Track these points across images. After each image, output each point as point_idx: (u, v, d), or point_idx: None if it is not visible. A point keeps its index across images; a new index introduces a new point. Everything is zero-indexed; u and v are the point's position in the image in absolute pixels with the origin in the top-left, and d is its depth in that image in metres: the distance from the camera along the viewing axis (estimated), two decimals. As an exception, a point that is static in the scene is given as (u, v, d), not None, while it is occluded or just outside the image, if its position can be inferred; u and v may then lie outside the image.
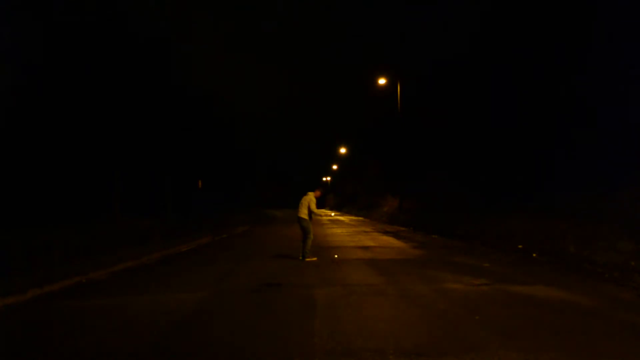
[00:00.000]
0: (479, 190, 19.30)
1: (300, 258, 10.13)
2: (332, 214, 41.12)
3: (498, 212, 15.06)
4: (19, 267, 8.24)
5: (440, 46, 23.77)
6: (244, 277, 8.27)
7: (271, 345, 4.37)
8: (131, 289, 7.39)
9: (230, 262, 10.18)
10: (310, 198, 10.38)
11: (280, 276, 8.18)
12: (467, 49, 21.14)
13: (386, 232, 18.71)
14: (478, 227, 14.94)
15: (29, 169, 16.98)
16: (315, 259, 10.19)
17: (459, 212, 18.54)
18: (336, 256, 10.82)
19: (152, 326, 5.12)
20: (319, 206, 10.75)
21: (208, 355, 4.20)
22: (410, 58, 27.19)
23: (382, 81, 27.53)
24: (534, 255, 10.19)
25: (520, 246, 11.35)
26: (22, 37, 15.90)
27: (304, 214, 10.34)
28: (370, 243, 13.95)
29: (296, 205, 10.59)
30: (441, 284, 7.13)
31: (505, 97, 17.96)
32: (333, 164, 71.63)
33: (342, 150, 57.70)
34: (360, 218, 35.48)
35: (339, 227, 23.22)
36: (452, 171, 23.15)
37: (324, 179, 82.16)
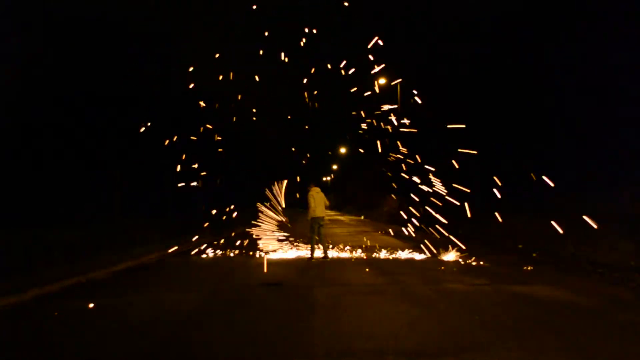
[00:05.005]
0: (479, 190, 19.28)
1: (323, 257, 10.18)
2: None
3: (498, 212, 15.05)
4: (19, 267, 8.22)
5: (439, 46, 23.71)
6: (244, 277, 8.27)
7: (271, 345, 4.37)
8: (131, 289, 7.39)
9: (230, 262, 10.19)
10: (322, 194, 10.37)
11: (280, 276, 8.18)
12: (466, 50, 21.10)
13: (386, 232, 18.71)
14: (478, 227, 14.93)
15: (29, 168, 16.96)
16: (319, 258, 10.20)
17: (458, 212, 18.50)
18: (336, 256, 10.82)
19: (152, 326, 5.12)
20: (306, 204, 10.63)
21: (208, 355, 4.20)
22: (409, 57, 27.07)
23: (382, 81, 27.48)
24: (534, 255, 10.19)
25: (520, 246, 11.34)
26: (22, 35, 15.89)
27: (323, 212, 10.26)
28: (370, 243, 13.94)
29: (295, 205, 10.53)
30: (441, 284, 7.14)
31: (506, 94, 17.91)
32: (333, 164, 71.58)
33: (342, 150, 57.63)
34: (360, 218, 35.47)
35: (339, 227, 23.21)
36: (451, 171, 23.11)
37: (324, 178, 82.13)
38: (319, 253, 10.35)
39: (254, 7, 10.83)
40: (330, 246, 10.94)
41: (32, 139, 17.22)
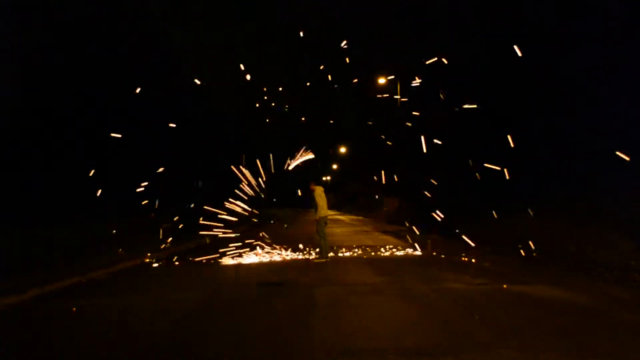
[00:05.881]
0: (479, 190, 19.27)
1: (324, 260, 10.03)
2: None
3: (498, 212, 15.06)
4: (19, 267, 8.23)
5: (439, 44, 23.64)
6: (244, 277, 8.27)
7: (271, 345, 4.37)
8: (131, 289, 7.40)
9: (230, 262, 10.18)
10: (324, 194, 10.45)
11: (280, 275, 8.18)
12: (467, 47, 21.03)
13: (386, 232, 18.71)
14: (478, 226, 14.93)
15: (29, 168, 16.95)
16: (324, 260, 10.14)
17: (459, 211, 18.52)
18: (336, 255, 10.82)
19: (152, 326, 5.12)
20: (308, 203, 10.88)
21: (208, 355, 4.20)
22: (409, 56, 27.06)
23: (381, 80, 27.50)
24: (535, 255, 10.18)
25: (520, 246, 11.34)
26: (21, 35, 15.88)
27: (327, 211, 10.40)
28: (370, 242, 13.95)
29: (295, 205, 10.53)
30: (441, 284, 7.13)
31: (506, 92, 17.82)
32: (333, 163, 71.52)
33: (342, 150, 57.59)
34: (360, 218, 35.47)
35: (339, 226, 23.21)
36: (452, 171, 23.10)
37: (324, 178, 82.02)
38: (321, 253, 10.32)
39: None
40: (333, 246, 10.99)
41: (32, 138, 17.21)
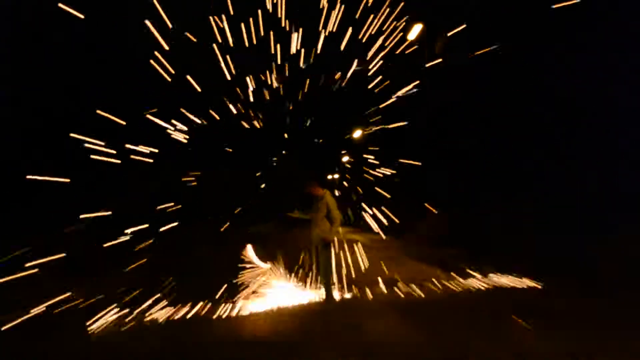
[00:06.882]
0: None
1: (331, 306, 6.29)
2: None
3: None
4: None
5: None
6: (220, 330, 5.63)
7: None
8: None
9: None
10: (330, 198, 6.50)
11: (268, 331, 5.43)
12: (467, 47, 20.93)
13: (426, 260, 18.35)
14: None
15: (29, 170, 16.89)
16: (331, 306, 6.28)
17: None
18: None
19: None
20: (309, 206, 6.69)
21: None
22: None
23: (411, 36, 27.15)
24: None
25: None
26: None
27: (327, 229, 6.39)
28: (405, 275, 13.57)
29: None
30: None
31: (505, 86, 17.68)
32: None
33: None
34: (387, 238, 34.85)
35: (354, 251, 22.91)
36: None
37: (329, 177, 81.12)
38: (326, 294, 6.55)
39: None
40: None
41: (33, 140, 17.14)
